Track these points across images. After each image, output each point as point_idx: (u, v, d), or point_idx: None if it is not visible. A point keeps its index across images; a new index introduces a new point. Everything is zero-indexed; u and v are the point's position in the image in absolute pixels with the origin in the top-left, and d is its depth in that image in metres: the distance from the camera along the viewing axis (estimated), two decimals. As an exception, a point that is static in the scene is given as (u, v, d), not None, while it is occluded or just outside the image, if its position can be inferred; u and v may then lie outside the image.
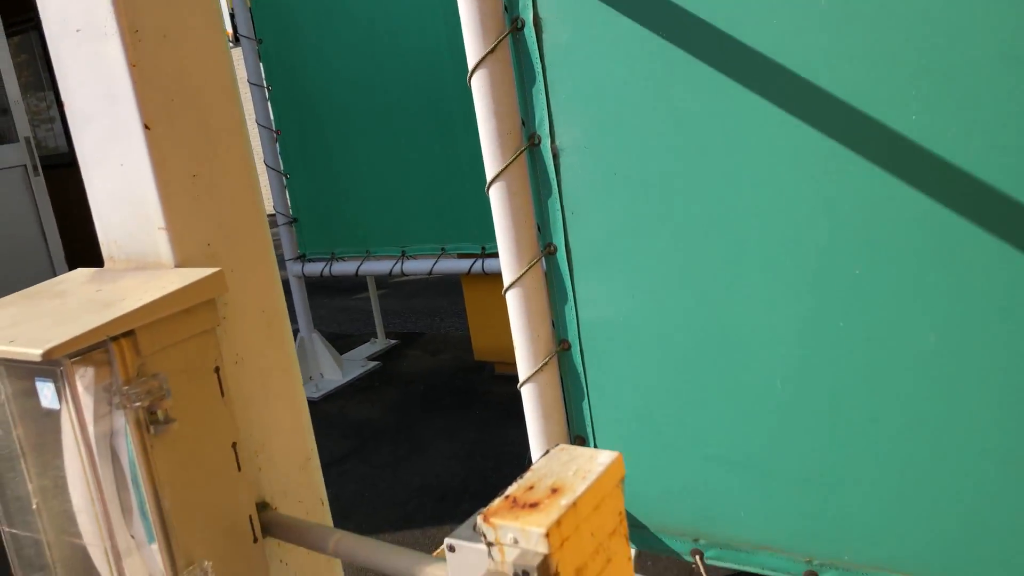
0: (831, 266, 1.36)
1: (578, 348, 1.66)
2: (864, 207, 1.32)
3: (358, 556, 1.04)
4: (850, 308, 1.36)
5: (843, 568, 1.48)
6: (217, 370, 1.05)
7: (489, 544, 0.76)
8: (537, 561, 0.71)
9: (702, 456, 1.58)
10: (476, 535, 0.78)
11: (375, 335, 6.32)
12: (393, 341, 6.33)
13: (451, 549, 0.81)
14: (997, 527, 1.33)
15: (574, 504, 0.75)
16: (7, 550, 1.08)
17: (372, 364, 5.91)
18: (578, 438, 1.74)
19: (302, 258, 5.36)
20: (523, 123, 1.58)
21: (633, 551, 1.69)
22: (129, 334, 0.92)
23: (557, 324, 1.68)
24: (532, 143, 1.58)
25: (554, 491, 0.77)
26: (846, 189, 1.32)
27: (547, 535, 0.72)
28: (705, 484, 1.59)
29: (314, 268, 5.28)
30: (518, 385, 1.72)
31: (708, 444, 1.56)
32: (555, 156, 1.56)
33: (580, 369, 1.67)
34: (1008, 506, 1.31)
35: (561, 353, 1.69)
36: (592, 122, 1.51)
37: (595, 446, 1.72)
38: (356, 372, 5.80)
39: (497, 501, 0.78)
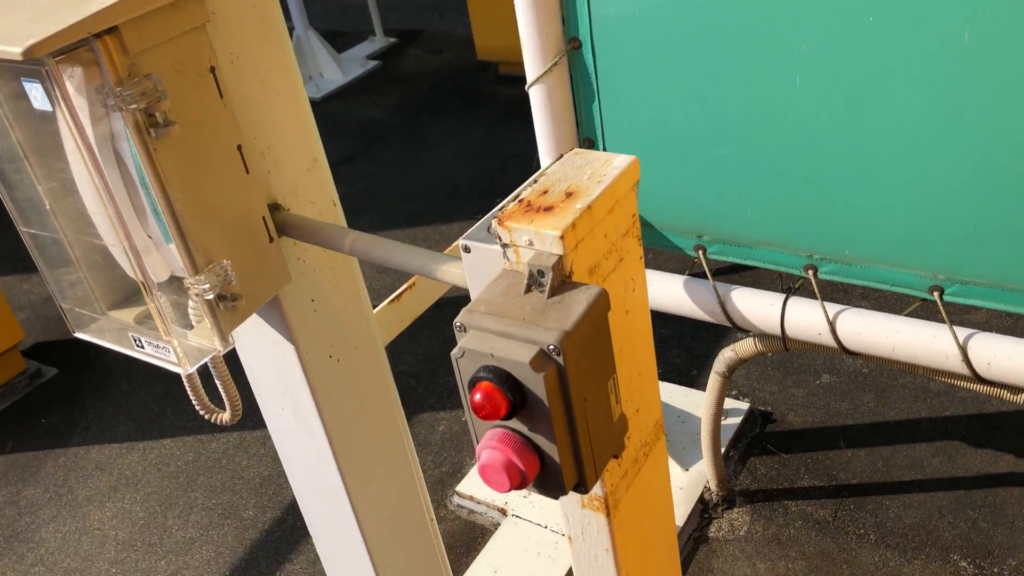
0: (871, -50, 1.25)
1: (590, 47, 1.58)
2: None
3: (374, 255, 1.06)
4: (882, 1, 1.27)
5: (842, 262, 1.53)
6: (213, 70, 1.00)
7: (504, 246, 0.76)
8: (552, 261, 0.72)
9: (712, 155, 1.56)
10: (490, 236, 0.78)
11: (373, 33, 6.04)
12: (392, 39, 6.07)
13: (466, 250, 0.82)
14: (1000, 224, 1.34)
15: (589, 207, 0.75)
16: (29, 250, 1.10)
17: (372, 64, 5.72)
18: (587, 140, 1.71)
19: (290, -54, 4.97)
20: None
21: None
22: (113, 31, 0.86)
23: (567, 20, 1.58)
24: None
25: (569, 195, 0.76)
26: None
27: (562, 237, 0.72)
28: (713, 183, 1.59)
29: (304, -43, 4.91)
30: (526, 87, 1.65)
31: (719, 143, 1.54)
32: None
33: (591, 69, 1.60)
34: (1014, 204, 1.32)
35: (571, 52, 1.61)
36: None
37: (604, 148, 1.70)
38: (357, 72, 5.63)
39: (511, 205, 0.77)
